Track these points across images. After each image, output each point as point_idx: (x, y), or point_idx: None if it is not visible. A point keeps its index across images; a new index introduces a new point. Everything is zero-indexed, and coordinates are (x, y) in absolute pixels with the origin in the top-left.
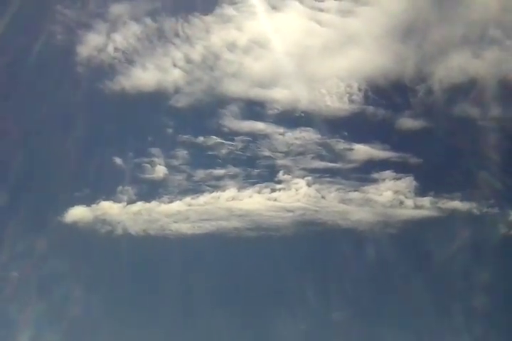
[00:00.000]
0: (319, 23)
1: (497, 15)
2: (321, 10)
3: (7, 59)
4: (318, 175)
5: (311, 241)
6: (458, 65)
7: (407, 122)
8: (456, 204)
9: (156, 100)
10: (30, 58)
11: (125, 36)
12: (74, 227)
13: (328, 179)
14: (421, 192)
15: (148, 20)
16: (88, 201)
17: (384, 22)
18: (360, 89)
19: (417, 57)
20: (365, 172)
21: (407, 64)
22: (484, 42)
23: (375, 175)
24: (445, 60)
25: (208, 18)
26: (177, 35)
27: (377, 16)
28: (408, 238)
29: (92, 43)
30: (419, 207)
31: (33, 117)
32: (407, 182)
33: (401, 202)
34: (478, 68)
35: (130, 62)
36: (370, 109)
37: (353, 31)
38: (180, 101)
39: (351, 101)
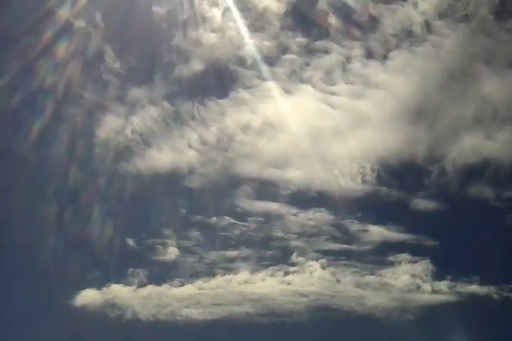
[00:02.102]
0: (331, 105)
1: (508, 95)
2: (333, 93)
3: (28, 144)
4: (332, 257)
5: (327, 328)
6: (470, 145)
7: (422, 203)
8: (475, 288)
9: (170, 181)
10: (50, 142)
11: (143, 119)
12: (84, 311)
13: (343, 262)
14: (438, 275)
15: (165, 104)
16: (99, 284)
17: (394, 104)
18: (373, 170)
19: (429, 138)
20: (380, 255)
21: (419, 145)
22: (496, 122)
23: (391, 258)
24: (457, 140)
25: (224, 102)
26: (193, 117)
27: (387, 99)
28: (427, 325)
29: (110, 126)
30: (437, 292)
31: (50, 197)
32: (424, 266)
33: (418, 287)
34: (490, 149)
35: (146, 143)
36: (384, 189)
37: (365, 113)
38: (195, 182)
39: (364, 181)
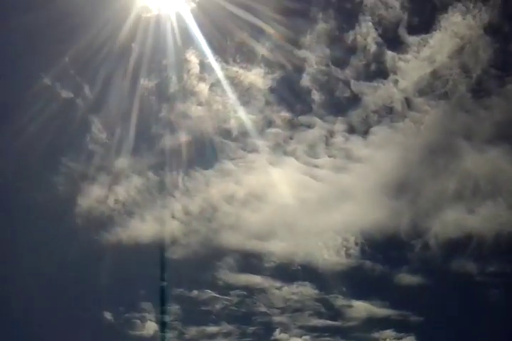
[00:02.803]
0: (314, 178)
1: (488, 171)
2: (316, 166)
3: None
4: (316, 333)
5: None
6: (453, 220)
7: (406, 278)
8: None
9: (151, 252)
10: (30, 207)
11: (126, 188)
12: None
13: (328, 338)
14: None
15: (150, 174)
16: None
17: (377, 178)
18: (356, 243)
19: (412, 212)
20: (365, 332)
21: (402, 218)
22: (477, 197)
23: (376, 335)
24: (440, 215)
25: (209, 172)
26: (177, 187)
27: (370, 173)
28: None
29: (93, 195)
30: None
31: (28, 268)
32: None
33: None
34: (473, 223)
35: (129, 213)
36: (368, 263)
37: (348, 186)
38: (176, 253)
39: (348, 255)
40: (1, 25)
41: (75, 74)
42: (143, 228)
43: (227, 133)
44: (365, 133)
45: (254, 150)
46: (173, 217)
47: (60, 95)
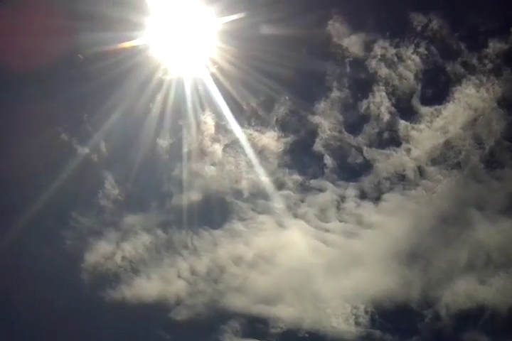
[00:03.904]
0: (325, 242)
1: (500, 241)
2: (327, 230)
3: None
4: None
5: None
6: (464, 290)
7: None
8: None
9: (155, 311)
10: (37, 260)
11: (134, 245)
12: None
13: None
14: None
15: (159, 231)
16: None
17: (388, 245)
18: (366, 312)
19: (423, 281)
20: None
21: (412, 287)
22: (490, 268)
23: None
24: (451, 285)
25: (218, 232)
26: (185, 246)
27: (381, 239)
28: None
29: (100, 251)
30: None
31: (28, 320)
32: None
33: None
34: (485, 295)
35: (135, 271)
36: (378, 333)
37: (358, 252)
38: (180, 314)
39: (357, 323)
40: (21, 84)
41: (92, 131)
42: (148, 287)
43: (238, 194)
44: (376, 200)
45: (264, 211)
46: (179, 276)
47: (77, 151)
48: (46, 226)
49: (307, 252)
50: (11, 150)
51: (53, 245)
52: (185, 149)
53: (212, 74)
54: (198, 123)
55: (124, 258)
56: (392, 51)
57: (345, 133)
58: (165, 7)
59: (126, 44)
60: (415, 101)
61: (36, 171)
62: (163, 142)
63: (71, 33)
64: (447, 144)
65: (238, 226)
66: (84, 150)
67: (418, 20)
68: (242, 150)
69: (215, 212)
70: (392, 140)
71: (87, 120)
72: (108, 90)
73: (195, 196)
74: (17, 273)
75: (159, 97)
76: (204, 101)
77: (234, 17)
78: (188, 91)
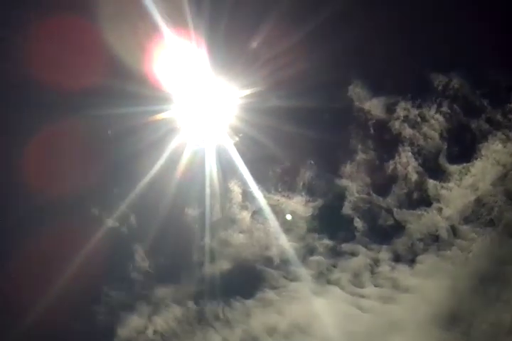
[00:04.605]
0: (361, 308)
1: None
2: (362, 296)
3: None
4: None
5: None
6: None
7: None
8: None
9: None
10: (69, 336)
11: (165, 318)
12: None
13: None
14: None
15: (190, 303)
16: None
17: (426, 309)
18: None
19: None
20: None
21: None
22: None
23: None
24: None
25: (250, 302)
26: (217, 318)
27: (418, 303)
28: None
29: (132, 325)
30: None
31: None
32: None
33: None
34: None
35: None
36: None
37: (396, 318)
38: None
39: None
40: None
41: (121, 204)
42: None
43: (268, 261)
44: (411, 262)
45: (296, 278)
46: None
47: (106, 224)
48: (78, 301)
49: (343, 320)
50: (43, 227)
51: (85, 320)
52: (213, 218)
53: (236, 144)
54: (225, 192)
55: (155, 332)
56: (414, 112)
57: (374, 195)
58: (189, 83)
59: (154, 117)
60: (442, 160)
61: (67, 246)
62: (192, 211)
63: (101, 109)
64: (478, 201)
65: (270, 294)
66: (114, 224)
67: (439, 79)
68: (271, 217)
69: (246, 280)
70: (422, 200)
71: (116, 193)
72: (136, 163)
73: (225, 265)
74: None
75: (185, 167)
76: (229, 170)
77: (255, 89)
78: (213, 160)
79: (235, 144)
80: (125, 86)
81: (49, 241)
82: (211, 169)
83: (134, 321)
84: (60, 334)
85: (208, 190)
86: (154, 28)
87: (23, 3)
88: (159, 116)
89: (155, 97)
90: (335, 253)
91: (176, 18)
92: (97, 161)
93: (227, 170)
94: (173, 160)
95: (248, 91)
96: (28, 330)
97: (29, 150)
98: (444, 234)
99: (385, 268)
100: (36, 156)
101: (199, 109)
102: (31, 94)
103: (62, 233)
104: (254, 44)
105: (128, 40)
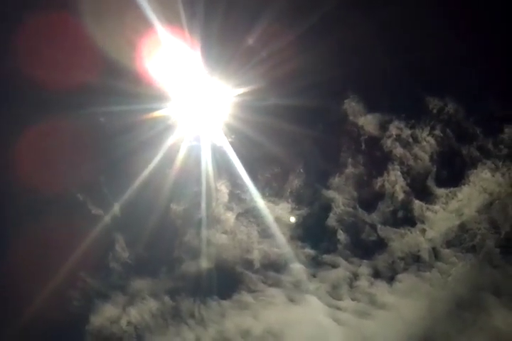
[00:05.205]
0: (336, 320)
1: None
2: (339, 308)
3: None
4: None
5: None
6: None
7: None
8: None
9: None
10: (41, 319)
11: (140, 311)
12: None
13: None
14: None
15: (166, 298)
16: None
17: (401, 327)
18: None
19: None
20: None
21: None
22: None
23: None
24: None
25: (226, 303)
26: (192, 315)
27: (394, 321)
28: None
29: (106, 314)
30: None
31: None
32: None
33: None
34: None
35: (140, 337)
36: None
37: (370, 334)
38: None
39: None
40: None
41: (107, 193)
42: None
43: (249, 265)
44: (390, 279)
45: (275, 284)
46: None
47: (91, 211)
48: (54, 285)
49: (317, 330)
50: (24, 205)
51: (59, 305)
52: (198, 215)
53: (230, 144)
54: (212, 191)
55: (129, 323)
56: (407, 132)
57: (360, 209)
58: (185, 81)
59: (150, 115)
60: (430, 182)
61: (49, 227)
62: (177, 207)
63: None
64: (462, 227)
65: (247, 298)
66: (98, 212)
67: (434, 103)
68: (255, 220)
69: (225, 281)
70: (406, 219)
71: (104, 182)
72: (128, 156)
73: (205, 264)
74: (24, 330)
75: (177, 164)
76: (220, 170)
77: (250, 88)
78: (206, 159)
79: (229, 144)
80: (120, 84)
81: (32, 225)
82: (204, 167)
83: (108, 310)
84: (32, 318)
85: (196, 188)
86: (148, 26)
87: (17, 1)
88: (155, 114)
89: (151, 95)
90: (316, 263)
91: (170, 17)
92: (92, 156)
93: (219, 169)
94: (168, 157)
95: (243, 90)
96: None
97: (24, 147)
98: (425, 255)
99: (363, 283)
100: (30, 152)
101: (195, 107)
102: (26, 93)
103: (45, 217)
104: (249, 42)
105: (122, 39)
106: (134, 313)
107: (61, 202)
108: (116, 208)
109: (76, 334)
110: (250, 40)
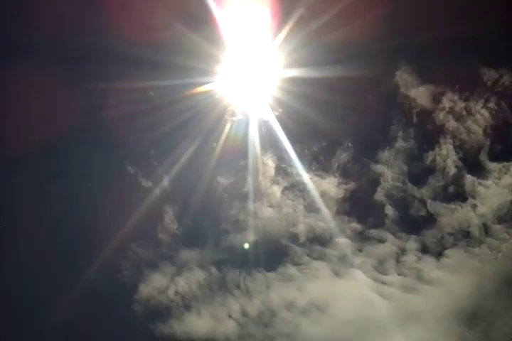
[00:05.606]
0: (382, 295)
1: None
2: (384, 283)
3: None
4: None
5: None
6: None
7: None
8: None
9: None
10: (93, 287)
11: (188, 281)
12: None
13: None
14: None
15: (213, 269)
16: None
17: (448, 303)
18: None
19: None
20: None
21: None
22: None
23: None
24: None
25: (271, 275)
26: (238, 286)
27: (441, 296)
28: None
29: (154, 283)
30: None
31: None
32: None
33: None
34: None
35: (187, 307)
36: None
37: (416, 309)
38: None
39: None
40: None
41: (157, 166)
42: (198, 324)
43: (294, 238)
44: (438, 255)
45: (320, 258)
46: (229, 316)
47: (141, 184)
48: (105, 254)
49: (362, 304)
50: (76, 179)
51: (109, 274)
52: (244, 189)
53: (277, 118)
54: (259, 165)
55: (177, 292)
56: (461, 104)
57: (409, 184)
58: (233, 55)
59: (196, 89)
60: (483, 157)
61: (100, 200)
62: (224, 181)
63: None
64: None
65: (292, 270)
66: (148, 184)
67: (489, 75)
68: (301, 194)
69: (270, 254)
70: (457, 194)
71: (153, 155)
72: (176, 130)
73: (251, 236)
74: (75, 299)
75: (224, 138)
76: (267, 144)
77: (299, 62)
78: (252, 133)
79: (276, 118)
80: (169, 57)
81: (83, 195)
82: (250, 141)
83: (156, 280)
84: (85, 287)
85: (242, 162)
86: None
87: None
88: (203, 88)
89: (199, 69)
90: (362, 237)
91: None
92: (142, 129)
93: (265, 143)
94: (215, 131)
95: (291, 62)
96: (55, 277)
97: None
98: (475, 230)
99: (410, 258)
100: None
101: (242, 81)
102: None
103: (96, 187)
104: (299, 13)
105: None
106: (181, 283)
107: (112, 173)
108: (165, 181)
109: (125, 303)
110: (300, 11)
